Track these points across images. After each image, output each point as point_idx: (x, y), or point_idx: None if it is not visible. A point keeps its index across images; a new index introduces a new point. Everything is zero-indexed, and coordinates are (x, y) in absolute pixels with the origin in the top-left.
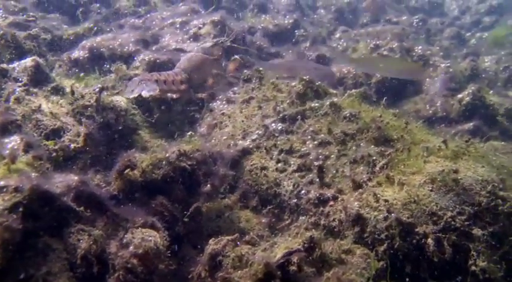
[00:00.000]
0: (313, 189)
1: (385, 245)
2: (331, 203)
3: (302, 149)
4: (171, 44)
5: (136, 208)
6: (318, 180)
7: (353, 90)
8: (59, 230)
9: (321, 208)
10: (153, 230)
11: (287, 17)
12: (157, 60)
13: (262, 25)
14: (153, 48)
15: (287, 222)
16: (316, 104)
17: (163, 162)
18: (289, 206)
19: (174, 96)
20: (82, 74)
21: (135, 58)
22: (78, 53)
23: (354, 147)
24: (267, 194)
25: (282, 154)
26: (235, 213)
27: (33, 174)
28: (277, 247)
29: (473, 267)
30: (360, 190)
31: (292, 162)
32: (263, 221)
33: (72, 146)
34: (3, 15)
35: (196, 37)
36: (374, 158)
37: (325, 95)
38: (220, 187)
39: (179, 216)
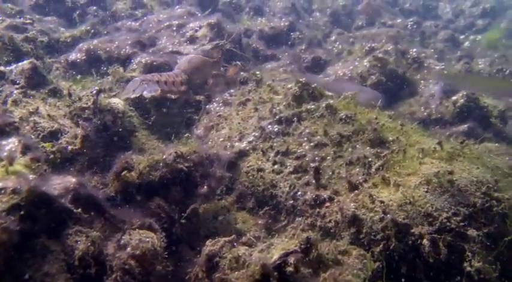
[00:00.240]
0: (310, 190)
1: (381, 245)
2: (328, 204)
3: (298, 151)
4: (167, 46)
5: (134, 210)
6: (314, 181)
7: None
8: (56, 231)
9: (317, 209)
10: (151, 231)
11: (283, 19)
12: (154, 63)
13: (258, 27)
14: (150, 51)
15: (284, 223)
16: (312, 106)
17: (161, 164)
18: (286, 207)
19: (173, 96)
20: (79, 77)
21: (132, 60)
22: (75, 56)
23: (349, 149)
24: (263, 196)
25: (279, 156)
26: (232, 214)
27: (31, 176)
28: (274, 248)
29: (468, 268)
30: (356, 191)
31: (288, 164)
32: (260, 222)
33: (70, 148)
34: (1, 18)
35: (192, 40)
36: (370, 159)
37: (321, 97)
38: (217, 189)
39: (176, 218)
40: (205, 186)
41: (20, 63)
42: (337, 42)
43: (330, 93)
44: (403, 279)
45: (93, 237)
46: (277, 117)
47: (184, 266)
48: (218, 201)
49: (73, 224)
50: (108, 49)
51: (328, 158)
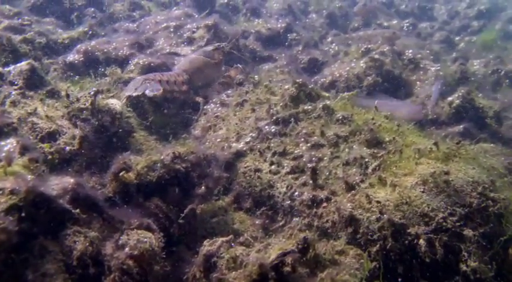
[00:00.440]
0: (307, 190)
1: (378, 245)
2: (325, 204)
3: (295, 151)
4: (165, 47)
5: (132, 210)
6: (311, 182)
7: (345, 93)
8: (55, 232)
9: (314, 209)
10: (149, 231)
11: (279, 21)
12: (152, 64)
13: (255, 29)
14: (148, 52)
15: (281, 223)
16: (309, 107)
17: (158, 165)
18: (283, 207)
19: (177, 95)
20: (77, 78)
21: (130, 62)
22: (73, 57)
23: (346, 150)
24: (260, 196)
25: (276, 156)
26: (229, 214)
27: (29, 176)
28: (271, 248)
29: (464, 268)
30: (353, 192)
31: (285, 164)
32: (257, 222)
33: (68, 148)
34: None
35: (190, 41)
36: (366, 160)
37: (318, 97)
38: (215, 189)
39: (174, 218)
40: (202, 187)
41: (18, 64)
42: (334, 44)
43: (327, 94)
44: (399, 279)
45: (91, 237)
46: (274, 117)
47: (182, 266)
48: (216, 202)
49: (71, 224)
50: (105, 50)
51: (325, 158)
